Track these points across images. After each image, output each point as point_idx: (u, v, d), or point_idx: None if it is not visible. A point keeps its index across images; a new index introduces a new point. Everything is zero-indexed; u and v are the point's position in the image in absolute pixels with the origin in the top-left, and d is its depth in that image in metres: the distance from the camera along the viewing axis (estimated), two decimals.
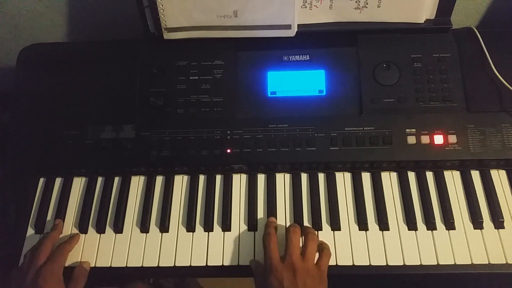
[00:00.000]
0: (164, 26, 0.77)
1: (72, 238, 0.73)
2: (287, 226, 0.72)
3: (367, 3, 0.75)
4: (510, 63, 0.76)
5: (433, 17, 0.78)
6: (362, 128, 0.75)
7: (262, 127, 0.76)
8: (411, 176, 0.77)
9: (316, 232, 0.71)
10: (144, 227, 0.75)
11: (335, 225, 0.73)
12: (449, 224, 0.72)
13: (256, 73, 0.79)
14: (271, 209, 0.75)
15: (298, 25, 0.77)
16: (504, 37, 0.80)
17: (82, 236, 0.75)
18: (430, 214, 0.72)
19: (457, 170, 0.76)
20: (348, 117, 0.76)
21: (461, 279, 0.77)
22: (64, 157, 0.77)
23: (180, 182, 0.79)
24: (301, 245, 0.69)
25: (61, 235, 0.75)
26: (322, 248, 0.69)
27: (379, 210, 0.74)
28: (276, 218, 0.74)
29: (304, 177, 0.78)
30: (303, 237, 0.70)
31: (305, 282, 0.63)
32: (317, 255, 0.68)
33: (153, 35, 0.79)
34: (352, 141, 0.75)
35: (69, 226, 0.76)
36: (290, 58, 0.79)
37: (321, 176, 0.77)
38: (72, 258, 0.72)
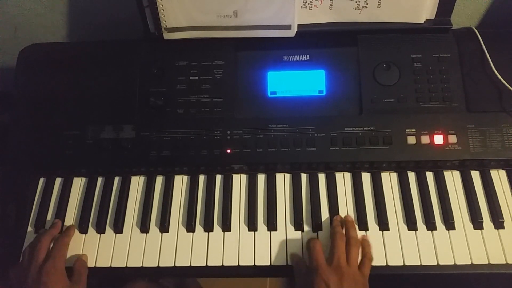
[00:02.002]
0: (164, 26, 0.77)
1: (68, 231, 0.73)
2: (331, 228, 0.71)
3: (367, 3, 0.75)
4: (510, 63, 0.76)
5: (433, 17, 0.78)
6: (362, 128, 0.75)
7: (262, 127, 0.76)
8: (411, 176, 0.77)
9: (356, 231, 0.70)
10: (144, 227, 0.75)
11: None
12: (449, 224, 0.72)
13: (256, 73, 0.79)
14: (271, 209, 0.75)
15: (298, 25, 0.77)
16: (504, 37, 0.80)
17: (82, 236, 0.75)
18: (430, 214, 0.72)
19: (457, 170, 0.76)
20: (348, 117, 0.76)
21: (461, 279, 0.77)
22: (64, 157, 0.77)
23: (180, 182, 0.78)
24: None
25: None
26: (365, 253, 0.68)
27: (379, 210, 0.74)
28: (276, 218, 0.74)
29: (304, 177, 0.78)
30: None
31: (350, 287, 0.62)
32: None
33: (153, 35, 0.79)
34: (352, 141, 0.75)
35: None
36: (290, 58, 0.79)
37: (321, 176, 0.77)
38: (73, 258, 0.72)
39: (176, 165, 0.77)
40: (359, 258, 0.68)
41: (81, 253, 0.73)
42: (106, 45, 0.84)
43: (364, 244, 0.69)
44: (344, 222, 0.71)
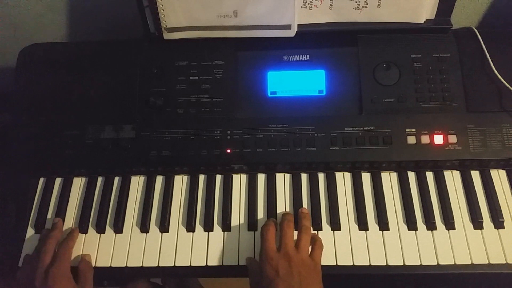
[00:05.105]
0: (164, 26, 0.77)
1: (72, 234, 0.73)
2: (281, 216, 0.72)
3: (367, 3, 0.75)
4: (510, 63, 0.76)
5: (433, 17, 0.78)
6: (362, 128, 0.75)
7: (262, 127, 0.76)
8: (411, 176, 0.77)
9: (309, 221, 0.72)
10: (144, 227, 0.75)
11: (335, 225, 0.73)
12: (449, 224, 0.72)
13: (256, 73, 0.79)
14: (271, 209, 0.75)
15: (298, 25, 0.77)
16: (504, 37, 0.80)
17: (82, 236, 0.75)
18: (430, 214, 0.72)
19: (457, 170, 0.76)
20: (348, 117, 0.76)
21: (461, 279, 0.77)
22: (64, 157, 0.77)
23: (180, 182, 0.79)
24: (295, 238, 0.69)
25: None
26: (315, 241, 0.70)
27: (379, 210, 0.74)
28: (276, 218, 0.74)
29: (304, 177, 0.78)
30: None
31: (300, 272, 0.63)
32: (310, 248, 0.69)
33: (153, 35, 0.79)
34: (352, 141, 0.75)
35: (69, 226, 0.76)
36: (290, 58, 0.79)
37: (321, 176, 0.77)
38: (73, 258, 0.72)
39: (176, 165, 0.77)
40: (310, 246, 0.69)
41: (81, 253, 0.73)
42: (106, 45, 0.84)
43: (314, 234, 0.71)
44: (299, 213, 0.73)
